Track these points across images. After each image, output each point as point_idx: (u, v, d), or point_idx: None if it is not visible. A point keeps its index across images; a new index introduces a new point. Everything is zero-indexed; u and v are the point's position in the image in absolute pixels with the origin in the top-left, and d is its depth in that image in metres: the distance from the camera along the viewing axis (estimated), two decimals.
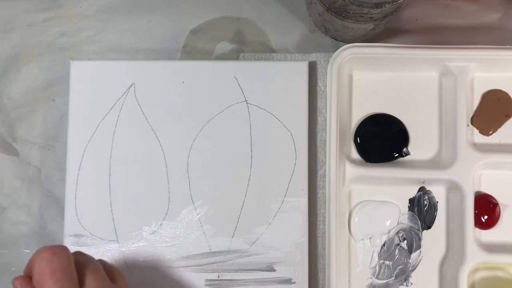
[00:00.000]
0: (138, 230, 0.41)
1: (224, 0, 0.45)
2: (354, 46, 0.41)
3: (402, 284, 0.42)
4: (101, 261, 0.33)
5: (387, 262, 0.42)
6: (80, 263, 0.31)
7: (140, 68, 0.43)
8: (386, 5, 0.35)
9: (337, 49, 0.41)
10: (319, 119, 0.43)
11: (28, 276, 0.30)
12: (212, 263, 0.41)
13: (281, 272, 0.41)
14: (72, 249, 0.41)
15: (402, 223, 0.42)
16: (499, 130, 0.43)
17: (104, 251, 0.41)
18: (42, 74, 0.45)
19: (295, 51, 0.44)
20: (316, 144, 0.43)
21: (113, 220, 0.41)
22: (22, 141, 0.44)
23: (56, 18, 0.45)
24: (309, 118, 0.42)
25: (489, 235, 0.42)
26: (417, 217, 0.42)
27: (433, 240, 0.42)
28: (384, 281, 0.42)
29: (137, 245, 0.41)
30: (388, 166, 0.42)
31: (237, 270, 0.41)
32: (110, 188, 0.42)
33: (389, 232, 0.42)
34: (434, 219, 0.42)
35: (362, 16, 0.37)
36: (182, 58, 0.45)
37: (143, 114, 0.42)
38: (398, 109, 0.43)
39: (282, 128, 0.42)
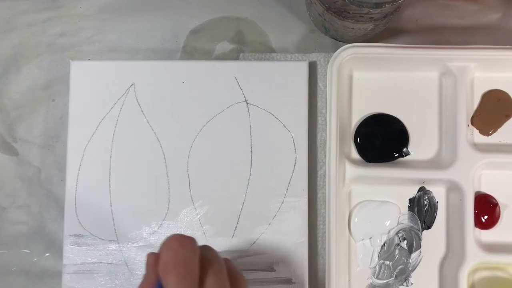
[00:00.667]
0: (138, 230, 0.41)
1: (224, 0, 0.45)
2: (354, 46, 0.41)
3: (402, 284, 0.42)
4: (226, 260, 0.33)
5: (387, 262, 0.42)
6: (205, 260, 0.30)
7: (140, 68, 0.43)
8: (386, 5, 0.35)
9: (337, 49, 0.41)
10: (319, 119, 0.43)
11: (159, 256, 0.30)
12: None
13: (281, 272, 0.41)
14: (73, 249, 0.41)
15: (402, 223, 0.42)
16: (499, 130, 0.43)
17: (104, 251, 0.41)
18: (42, 74, 0.45)
19: (295, 51, 0.44)
20: (316, 144, 0.43)
21: (113, 220, 0.42)
22: (22, 141, 0.44)
23: (56, 18, 0.45)
24: (309, 118, 0.42)
25: (489, 235, 0.42)
26: (417, 217, 0.42)
27: (433, 240, 0.42)
28: (384, 281, 0.42)
29: (137, 245, 0.41)
30: (388, 166, 0.42)
31: None
32: (110, 188, 0.42)
33: (389, 232, 0.42)
34: (434, 219, 0.42)
35: (362, 16, 0.37)
36: (182, 58, 0.45)
37: (143, 114, 0.42)
38: (398, 109, 0.43)
39: (282, 128, 0.42)
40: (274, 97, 0.42)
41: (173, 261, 0.28)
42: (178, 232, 0.41)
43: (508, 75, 0.43)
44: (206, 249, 0.31)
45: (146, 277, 0.30)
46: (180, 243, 0.29)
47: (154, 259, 0.30)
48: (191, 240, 0.30)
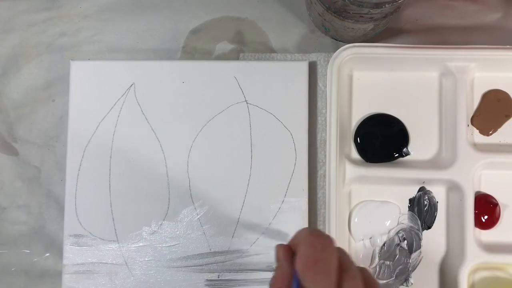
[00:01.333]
0: (138, 230, 0.41)
1: (224, 0, 0.45)
2: (354, 46, 0.41)
3: (402, 284, 0.42)
4: (362, 270, 0.30)
5: (387, 262, 0.42)
6: (342, 263, 0.29)
7: (140, 68, 0.43)
8: (386, 5, 0.35)
9: (337, 49, 0.41)
10: (319, 119, 0.43)
11: (290, 249, 0.29)
12: (212, 263, 0.41)
13: None
14: (73, 249, 0.41)
15: (402, 223, 0.42)
16: (499, 130, 0.43)
17: (104, 251, 0.41)
18: (42, 74, 0.45)
19: (295, 51, 0.44)
20: (316, 144, 0.43)
21: (113, 220, 0.41)
22: (22, 141, 0.44)
23: (56, 18, 0.45)
24: (309, 118, 0.42)
25: (489, 235, 0.42)
26: (417, 217, 0.42)
27: (433, 240, 0.42)
28: (384, 281, 0.42)
29: (137, 245, 0.41)
30: (388, 166, 0.42)
31: (237, 270, 0.41)
32: (110, 188, 0.42)
33: (389, 232, 0.42)
34: (434, 219, 0.42)
35: (362, 16, 0.37)
36: (182, 58, 0.45)
37: (143, 114, 0.42)
38: (398, 109, 0.43)
39: (282, 128, 0.42)
40: (274, 97, 0.42)
41: (313, 257, 0.27)
42: (179, 231, 0.41)
43: (508, 75, 0.43)
44: (341, 252, 0.30)
45: (280, 270, 0.29)
46: (320, 241, 0.28)
47: (286, 251, 0.29)
48: (330, 239, 0.29)
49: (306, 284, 0.27)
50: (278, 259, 0.30)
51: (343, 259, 0.29)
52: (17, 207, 0.44)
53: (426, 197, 0.42)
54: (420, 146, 0.43)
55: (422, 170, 0.41)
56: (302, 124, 0.42)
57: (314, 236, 0.29)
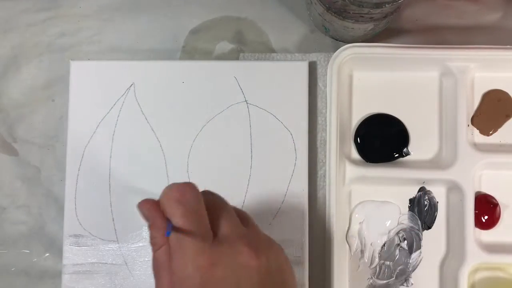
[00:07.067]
0: (138, 230, 0.41)
1: (224, 0, 0.45)
2: (354, 46, 0.41)
3: (402, 285, 0.42)
4: (234, 207, 0.31)
5: (387, 263, 0.42)
6: (211, 204, 0.29)
7: (140, 68, 0.43)
8: (386, 5, 0.35)
9: (337, 49, 0.41)
10: (319, 119, 0.43)
11: (154, 202, 0.29)
12: None
13: None
14: (73, 249, 0.41)
15: (402, 223, 0.42)
16: (499, 130, 0.43)
17: (104, 251, 0.41)
18: (42, 74, 0.45)
19: (295, 51, 0.44)
20: (316, 144, 0.43)
21: (113, 220, 0.41)
22: (22, 141, 0.44)
23: (56, 18, 0.45)
24: (309, 118, 0.42)
25: (489, 235, 0.42)
26: (417, 217, 0.42)
27: (433, 240, 0.42)
28: (385, 281, 0.42)
29: (137, 245, 0.41)
30: (388, 166, 0.42)
31: None
32: (110, 188, 0.42)
33: (389, 232, 0.42)
34: (434, 219, 0.42)
35: (362, 16, 0.37)
36: (182, 58, 0.45)
37: (143, 114, 0.42)
38: (398, 109, 0.43)
39: (282, 128, 0.42)
40: (274, 97, 0.42)
41: (179, 212, 0.27)
42: None
43: (508, 75, 0.43)
44: (208, 194, 0.30)
45: (152, 223, 0.28)
46: (181, 193, 0.28)
47: (150, 205, 0.28)
48: (191, 186, 0.28)
49: (175, 220, 0.27)
50: (145, 216, 0.29)
51: (212, 200, 0.29)
52: (17, 207, 0.44)
53: (426, 197, 0.42)
54: (420, 146, 0.43)
55: (422, 170, 0.41)
56: (302, 124, 0.42)
57: (172, 190, 0.28)
